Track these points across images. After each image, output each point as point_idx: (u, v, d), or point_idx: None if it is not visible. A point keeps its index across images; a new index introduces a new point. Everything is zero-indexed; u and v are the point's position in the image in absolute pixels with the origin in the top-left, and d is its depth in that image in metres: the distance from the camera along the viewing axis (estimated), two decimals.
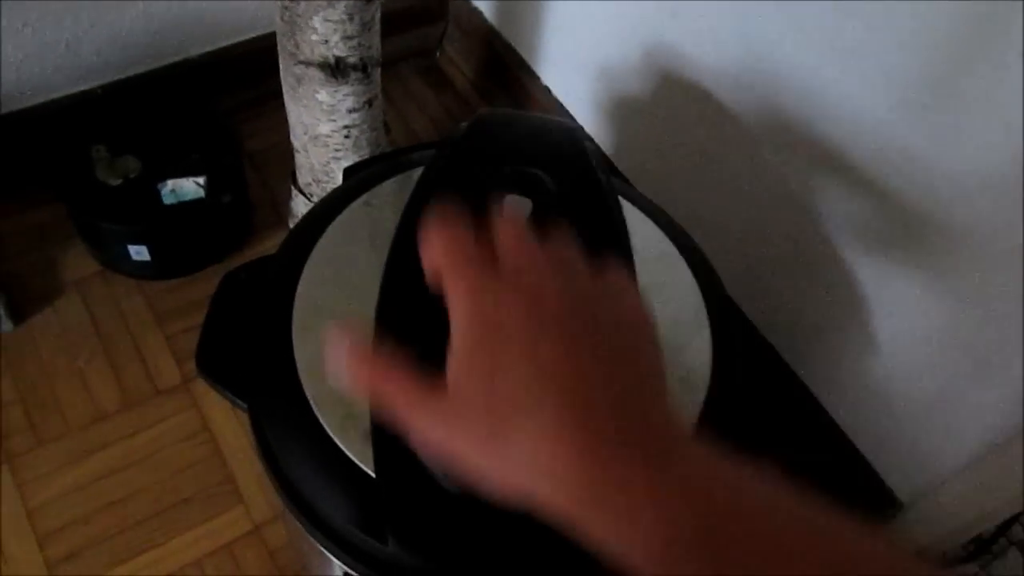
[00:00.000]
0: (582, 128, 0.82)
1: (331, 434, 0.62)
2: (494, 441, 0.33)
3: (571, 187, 0.72)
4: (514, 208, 0.39)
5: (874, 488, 1.13)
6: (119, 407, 1.18)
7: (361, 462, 0.60)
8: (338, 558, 0.63)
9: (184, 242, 1.29)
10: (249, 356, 0.69)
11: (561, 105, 1.45)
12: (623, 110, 1.31)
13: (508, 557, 0.57)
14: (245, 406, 0.69)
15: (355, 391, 0.38)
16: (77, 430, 1.15)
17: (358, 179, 0.79)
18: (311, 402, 0.63)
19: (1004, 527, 1.18)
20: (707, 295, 0.73)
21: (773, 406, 1.21)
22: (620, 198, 0.76)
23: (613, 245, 0.70)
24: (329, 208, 0.76)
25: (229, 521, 1.10)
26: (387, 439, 0.58)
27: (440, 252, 0.38)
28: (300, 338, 0.66)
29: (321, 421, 0.62)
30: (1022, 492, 0.98)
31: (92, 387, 1.19)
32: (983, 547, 1.22)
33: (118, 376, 1.20)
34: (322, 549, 0.64)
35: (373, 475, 0.60)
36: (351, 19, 0.98)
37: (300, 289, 0.69)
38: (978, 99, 0.81)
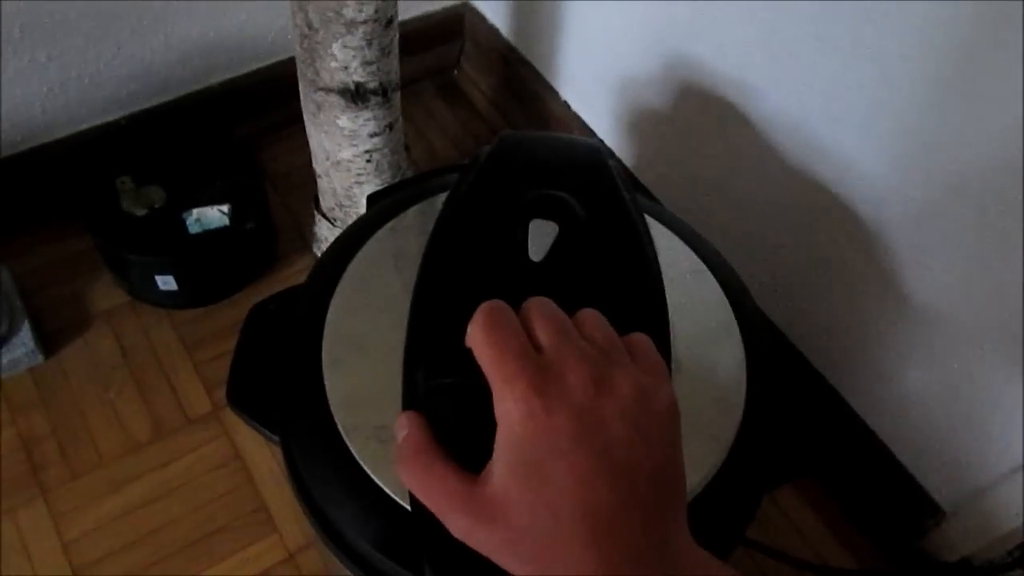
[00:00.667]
0: (605, 146, 0.82)
1: (363, 464, 0.61)
2: (537, 555, 0.36)
3: (597, 209, 0.71)
4: (543, 302, 0.40)
5: (916, 497, 1.12)
6: (151, 437, 1.18)
7: (393, 492, 0.60)
8: None
9: (210, 270, 1.29)
10: (280, 388, 0.69)
11: (581, 120, 1.44)
12: (644, 123, 1.31)
13: None
14: (277, 439, 0.69)
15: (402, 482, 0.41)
16: (110, 461, 1.16)
17: (382, 206, 0.79)
18: (342, 432, 0.63)
19: None
20: (738, 311, 0.72)
21: (809, 419, 1.20)
22: (647, 215, 0.75)
23: (641, 269, 0.69)
24: (354, 237, 0.75)
25: (263, 549, 1.09)
26: None
27: (489, 349, 0.38)
28: (330, 369, 0.66)
29: (353, 451, 0.62)
30: None
31: (124, 418, 1.20)
32: None
33: (149, 406, 1.21)
34: None
35: (406, 505, 0.59)
36: (370, 45, 0.98)
37: (329, 319, 0.69)
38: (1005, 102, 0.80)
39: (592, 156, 0.76)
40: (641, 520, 0.36)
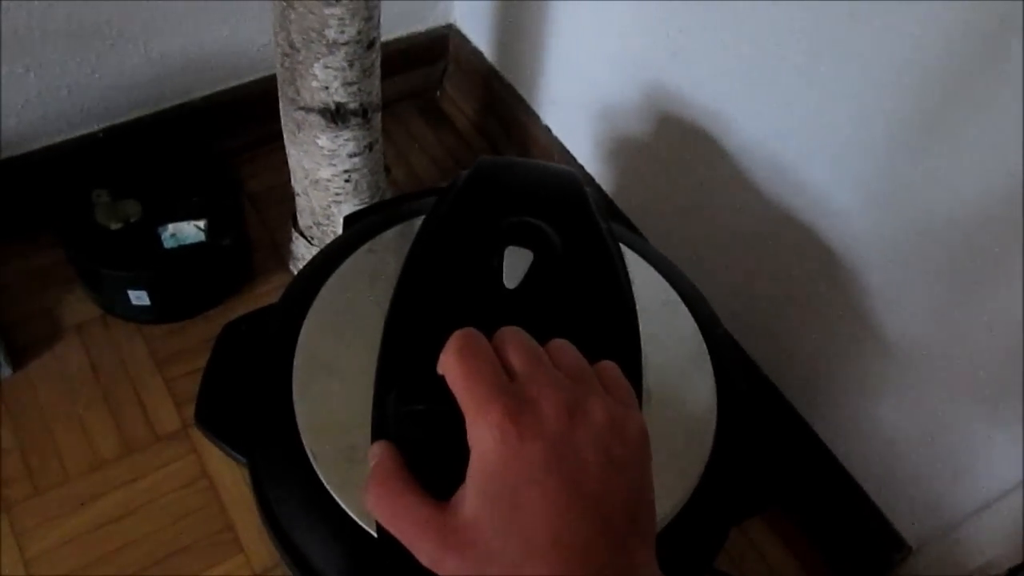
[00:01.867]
0: (584, 173, 0.82)
1: (331, 491, 0.61)
2: None
3: (573, 238, 0.71)
4: (515, 331, 0.41)
5: (883, 532, 1.12)
6: (118, 454, 1.16)
7: (360, 518, 0.60)
8: None
9: (185, 286, 1.28)
10: (249, 410, 0.68)
11: (562, 145, 1.45)
12: (624, 150, 1.31)
13: None
14: (245, 461, 0.69)
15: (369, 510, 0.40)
16: (76, 477, 1.14)
17: (359, 228, 0.79)
18: (311, 457, 0.62)
19: (1015, 572, 1.17)
20: (710, 343, 0.73)
21: (780, 451, 1.20)
22: (622, 245, 0.75)
23: (615, 299, 0.70)
24: (329, 258, 0.75)
25: (229, 570, 1.08)
26: None
27: (462, 376, 0.38)
28: (300, 391, 0.65)
29: (321, 477, 0.61)
30: None
31: (91, 433, 1.18)
32: None
33: (118, 422, 1.19)
34: None
35: (373, 532, 0.59)
36: (351, 66, 0.99)
37: (301, 342, 0.68)
38: (976, 137, 0.81)
39: (569, 184, 0.77)
40: (612, 548, 0.36)
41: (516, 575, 0.35)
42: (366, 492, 0.40)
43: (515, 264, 0.68)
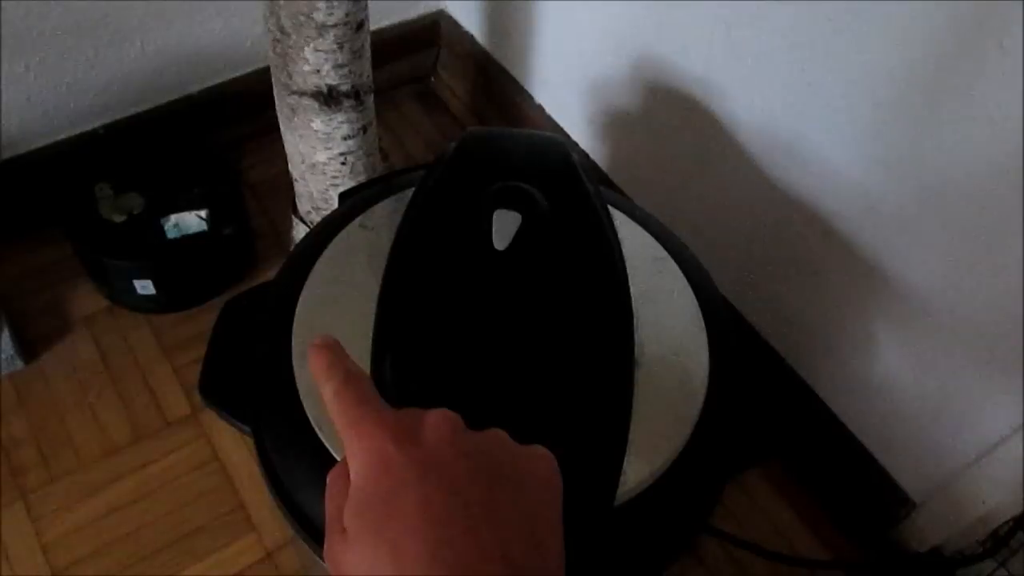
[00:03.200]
0: (569, 140, 0.84)
1: (335, 455, 0.62)
2: None
3: (560, 200, 0.73)
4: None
5: (886, 487, 1.13)
6: (130, 440, 1.19)
7: None
8: None
9: (189, 275, 1.30)
10: (251, 381, 0.70)
11: (555, 123, 1.46)
12: (616, 124, 1.33)
13: None
14: (249, 430, 0.70)
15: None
16: (89, 464, 1.16)
17: (353, 202, 0.81)
18: (313, 424, 0.64)
19: (1020, 521, 1.18)
20: (701, 298, 0.74)
21: (774, 405, 1.22)
22: (610, 207, 0.77)
23: (605, 257, 0.71)
24: (325, 232, 0.77)
25: (242, 549, 1.10)
26: None
27: (332, 393, 0.37)
28: (300, 361, 0.67)
29: (324, 442, 0.63)
30: None
31: (103, 421, 1.20)
32: (1001, 542, 1.21)
33: (128, 409, 1.22)
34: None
35: None
36: (341, 48, 1.00)
37: (299, 312, 0.70)
38: (958, 96, 0.82)
39: (556, 149, 0.78)
40: (501, 570, 0.32)
41: None
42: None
43: (504, 227, 0.69)
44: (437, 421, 0.35)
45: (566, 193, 0.74)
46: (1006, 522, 1.09)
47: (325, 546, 0.36)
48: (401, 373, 0.62)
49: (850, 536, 1.20)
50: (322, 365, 0.38)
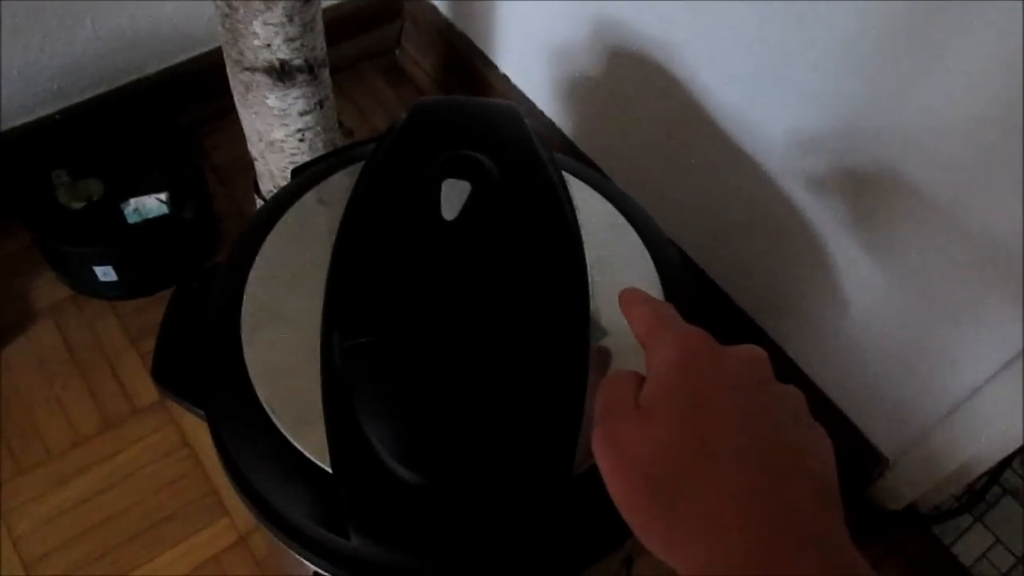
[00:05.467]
0: (534, 108, 0.82)
1: (286, 434, 0.61)
2: (670, 475, 0.34)
3: (512, 166, 0.71)
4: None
5: (860, 447, 1.13)
6: (98, 429, 1.17)
7: (318, 460, 0.60)
8: (304, 557, 0.63)
9: (151, 259, 1.28)
10: (202, 363, 0.69)
11: (521, 92, 1.44)
12: (580, 91, 1.31)
13: (469, 546, 0.57)
14: (203, 413, 0.69)
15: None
16: (57, 456, 1.15)
17: (304, 177, 0.79)
18: (264, 404, 0.62)
19: (995, 475, 1.18)
20: (659, 262, 0.73)
21: None
22: (566, 173, 0.75)
23: (558, 223, 0.70)
24: (276, 208, 0.75)
25: (215, 533, 1.09)
26: (342, 432, 0.58)
27: (646, 315, 0.41)
28: (250, 340, 0.66)
29: (275, 422, 0.62)
30: (1005, 436, 0.98)
31: (70, 411, 1.19)
32: (976, 497, 1.22)
33: (95, 398, 1.20)
34: (288, 549, 0.64)
35: (328, 469, 0.59)
36: (291, 21, 0.98)
37: (248, 291, 0.68)
38: (921, 55, 0.81)
39: (508, 117, 0.77)
40: (797, 492, 0.33)
41: (680, 472, 0.33)
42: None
43: (453, 197, 0.68)
44: (741, 354, 0.38)
45: (519, 161, 0.72)
46: (981, 476, 1.09)
47: (601, 430, 0.37)
48: (350, 344, 0.61)
49: None
50: (635, 295, 0.43)
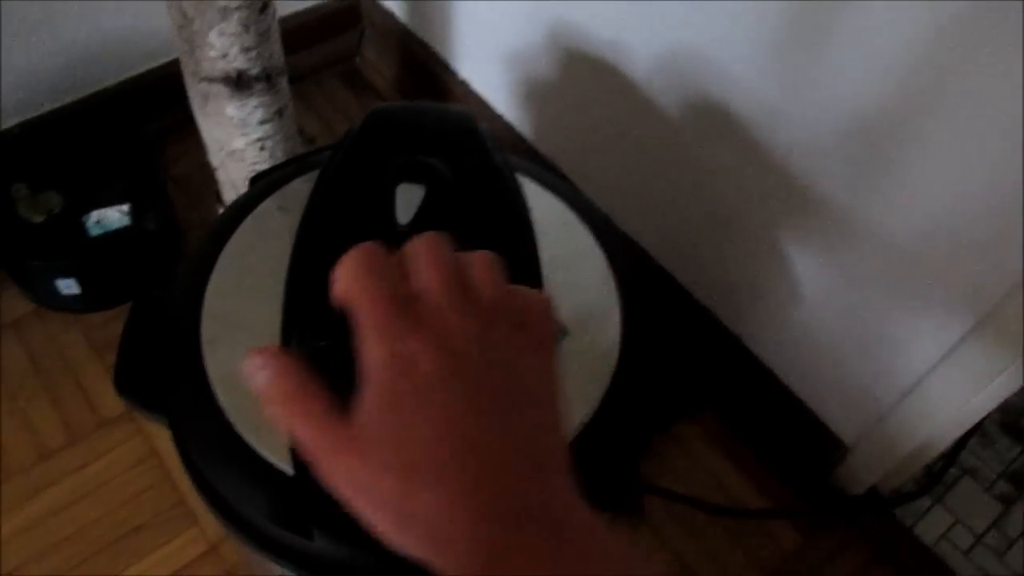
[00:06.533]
0: (493, 112, 0.83)
1: (247, 440, 0.62)
2: (400, 495, 0.33)
3: (466, 170, 0.72)
4: (431, 242, 0.38)
5: (819, 433, 1.16)
6: (64, 443, 1.17)
7: (279, 462, 0.61)
8: (269, 559, 0.64)
9: (114, 272, 1.28)
10: (162, 372, 0.70)
11: (480, 97, 1.46)
12: (539, 94, 1.32)
13: None
14: (164, 420, 0.70)
15: (263, 405, 0.36)
16: (24, 470, 1.15)
17: (262, 184, 0.80)
18: (224, 410, 0.63)
19: (951, 456, 1.21)
20: (612, 259, 0.74)
21: (710, 363, 1.23)
22: (520, 175, 0.77)
23: (512, 223, 0.71)
24: (234, 215, 0.76)
25: (185, 543, 1.10)
26: None
27: (353, 282, 0.36)
28: (210, 348, 0.66)
29: (236, 428, 0.62)
30: (957, 416, 1.00)
31: (35, 426, 1.19)
32: (935, 479, 1.24)
33: (61, 412, 1.20)
34: (254, 552, 0.64)
35: (290, 472, 0.60)
36: (247, 30, 0.99)
37: (208, 298, 0.69)
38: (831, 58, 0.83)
39: (461, 121, 0.78)
40: (524, 470, 0.33)
41: (406, 490, 0.33)
42: (265, 399, 0.36)
43: (408, 201, 0.69)
44: (462, 330, 0.35)
45: (472, 164, 0.74)
46: (938, 458, 1.12)
47: (321, 470, 0.34)
48: (307, 348, 0.62)
49: (789, 484, 1.23)
50: (356, 260, 0.37)
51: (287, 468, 0.60)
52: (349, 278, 0.36)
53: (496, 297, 0.38)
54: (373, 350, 0.34)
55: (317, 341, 0.64)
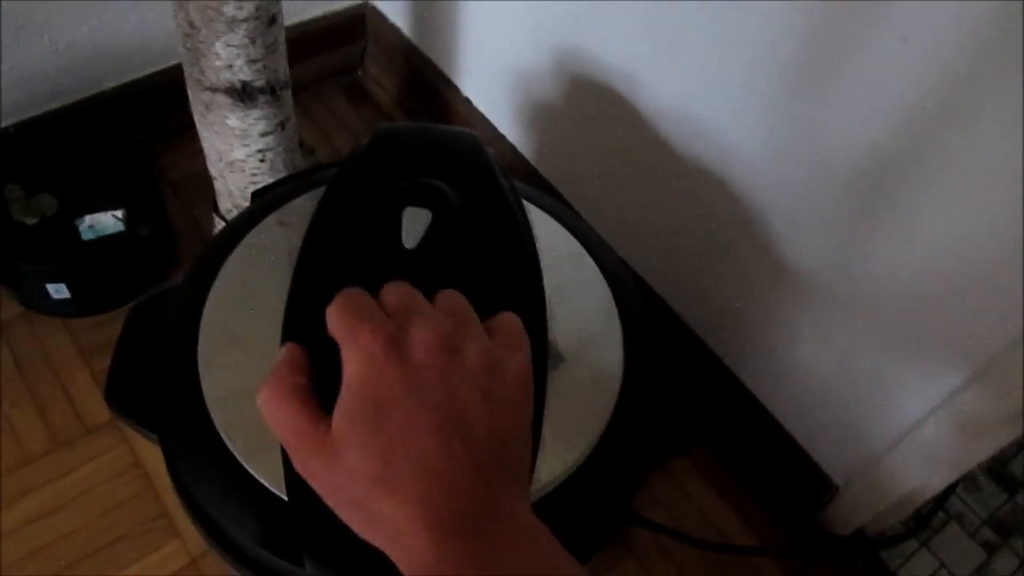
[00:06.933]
0: (496, 133, 0.83)
1: (241, 460, 0.61)
2: (365, 502, 0.37)
3: (473, 195, 0.72)
4: (397, 283, 0.42)
5: (810, 472, 1.15)
6: (47, 448, 1.15)
7: (272, 486, 0.60)
8: None
9: (105, 277, 1.27)
10: (156, 387, 0.68)
11: (483, 116, 1.45)
12: (542, 116, 1.32)
13: None
14: (156, 438, 0.69)
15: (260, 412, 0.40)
16: (5, 475, 1.13)
17: (264, 200, 0.79)
18: (219, 430, 0.62)
19: (940, 501, 1.21)
20: (616, 291, 0.74)
21: (696, 394, 1.23)
22: (525, 201, 0.76)
23: (517, 251, 0.70)
24: (235, 231, 0.75)
25: (166, 556, 1.08)
26: None
27: (338, 318, 0.40)
28: (206, 365, 0.65)
29: (230, 448, 0.61)
30: (950, 464, 1.00)
31: (18, 431, 1.17)
32: (922, 522, 1.24)
33: (45, 417, 1.18)
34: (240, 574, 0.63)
35: (285, 498, 0.59)
36: (253, 43, 0.98)
37: (206, 314, 0.68)
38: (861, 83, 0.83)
39: (468, 144, 0.77)
40: (472, 482, 0.37)
41: (371, 491, 0.36)
42: (260, 390, 0.41)
43: (414, 225, 0.68)
44: (429, 343, 0.38)
45: (479, 189, 0.73)
46: (926, 503, 1.12)
47: (298, 467, 0.39)
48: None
49: (777, 521, 1.22)
50: (341, 296, 0.41)
51: (280, 492, 0.59)
52: (334, 311, 0.40)
53: (461, 314, 0.42)
54: (352, 359, 0.38)
55: (319, 368, 0.63)
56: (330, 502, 0.39)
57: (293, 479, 0.58)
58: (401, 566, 0.37)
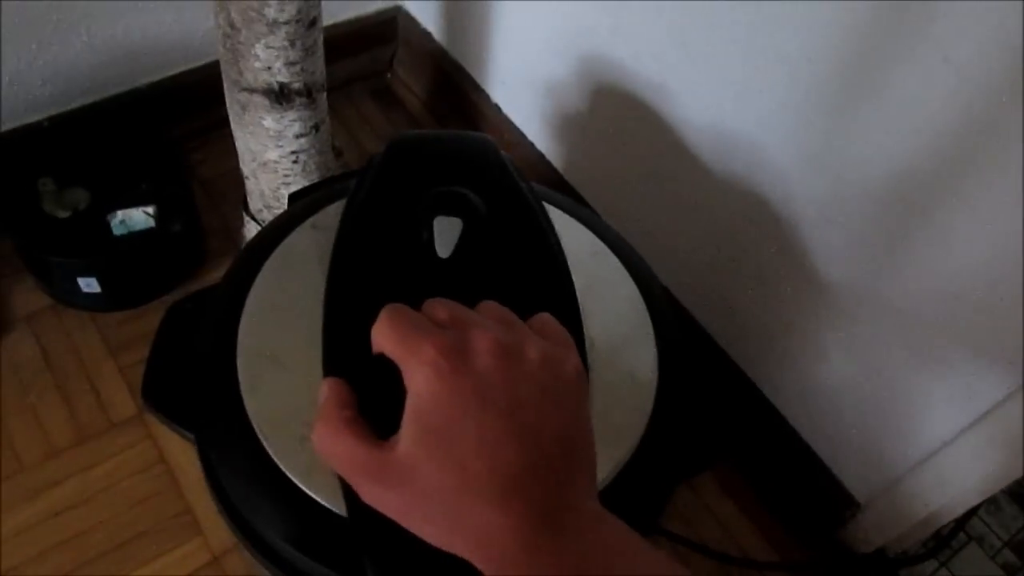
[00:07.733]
0: (532, 151, 0.82)
1: (278, 462, 0.61)
2: (446, 515, 0.37)
3: (496, 201, 0.71)
4: (441, 299, 0.43)
5: (832, 489, 1.15)
6: (73, 442, 1.16)
7: (309, 489, 0.60)
8: None
9: (135, 273, 1.28)
10: (194, 386, 0.69)
11: (511, 123, 1.46)
12: (572, 125, 1.32)
13: None
14: (192, 437, 0.69)
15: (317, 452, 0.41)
16: (31, 467, 1.13)
17: (303, 204, 0.79)
18: (257, 431, 0.62)
19: (962, 522, 1.20)
20: (642, 288, 0.74)
21: (723, 408, 1.23)
22: (545, 203, 0.76)
23: (546, 256, 0.70)
24: (273, 234, 0.75)
25: (188, 552, 1.08)
26: None
27: (393, 334, 0.40)
28: (245, 366, 0.66)
29: (268, 450, 0.62)
30: (976, 486, 1.00)
31: (45, 423, 1.18)
32: (943, 543, 1.23)
33: (71, 410, 1.19)
34: None
35: (320, 501, 0.59)
36: (293, 45, 0.98)
37: (245, 316, 0.68)
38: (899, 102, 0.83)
39: (486, 150, 0.76)
40: (548, 480, 0.37)
41: (453, 505, 0.37)
42: (312, 431, 0.41)
43: (446, 233, 0.68)
44: (489, 349, 0.39)
45: (500, 194, 0.72)
46: (948, 523, 1.11)
47: (364, 489, 0.39)
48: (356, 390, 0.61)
49: (797, 537, 1.22)
50: (389, 313, 0.41)
51: (316, 495, 0.60)
52: (385, 328, 0.40)
53: (508, 319, 0.43)
54: (416, 377, 0.38)
55: (358, 382, 0.63)
56: (403, 522, 0.39)
57: (357, 509, 0.57)
58: (489, 571, 0.37)
